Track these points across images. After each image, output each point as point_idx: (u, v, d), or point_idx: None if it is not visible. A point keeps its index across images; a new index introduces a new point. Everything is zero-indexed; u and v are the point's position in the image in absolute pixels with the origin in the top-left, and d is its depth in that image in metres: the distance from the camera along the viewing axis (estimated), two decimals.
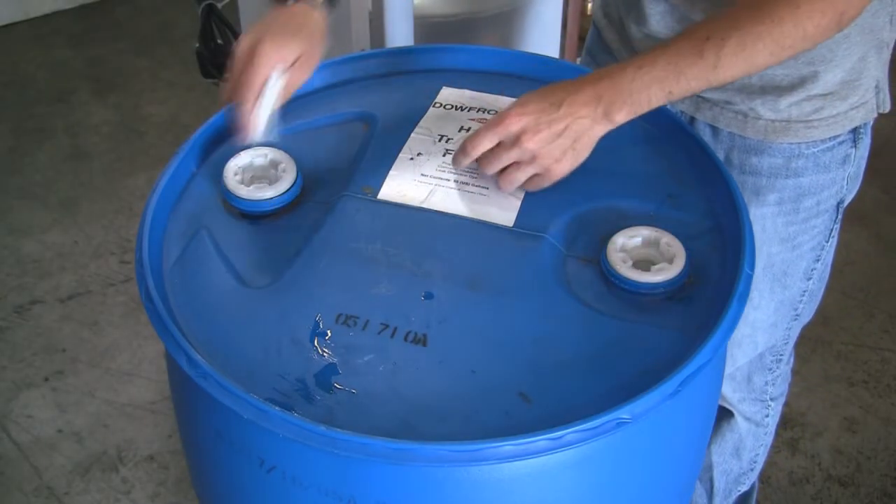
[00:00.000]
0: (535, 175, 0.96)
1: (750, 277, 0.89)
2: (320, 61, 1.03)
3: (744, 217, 0.93)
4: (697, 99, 1.07)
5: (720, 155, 1.09)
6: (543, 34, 1.75)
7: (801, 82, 1.02)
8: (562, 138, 0.92)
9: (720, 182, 0.98)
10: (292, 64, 0.98)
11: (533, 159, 0.94)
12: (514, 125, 0.93)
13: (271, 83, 0.98)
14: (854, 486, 1.74)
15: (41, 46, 2.86)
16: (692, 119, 1.10)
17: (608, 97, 0.91)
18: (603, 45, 1.19)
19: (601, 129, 0.93)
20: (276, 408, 0.77)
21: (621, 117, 0.91)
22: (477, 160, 0.97)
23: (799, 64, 0.98)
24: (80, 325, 2.01)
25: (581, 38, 2.05)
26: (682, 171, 1.03)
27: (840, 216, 1.14)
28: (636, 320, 0.89)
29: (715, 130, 1.09)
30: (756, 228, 1.09)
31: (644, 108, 0.91)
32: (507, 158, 0.95)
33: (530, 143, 0.93)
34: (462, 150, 0.97)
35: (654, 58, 0.90)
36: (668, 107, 1.10)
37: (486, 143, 0.95)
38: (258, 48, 0.96)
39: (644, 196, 1.00)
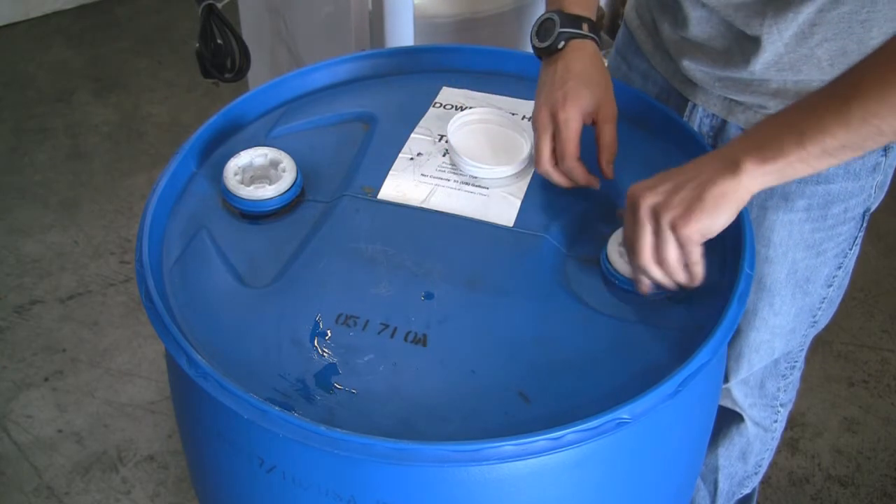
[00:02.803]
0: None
1: (750, 277, 0.89)
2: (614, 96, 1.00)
3: (744, 217, 0.93)
4: (730, 102, 1.06)
5: None
6: None
7: None
8: (684, 190, 0.83)
9: None
10: (595, 114, 0.98)
11: (658, 223, 0.85)
12: (632, 193, 0.87)
13: None
14: (854, 486, 1.74)
15: (41, 46, 2.86)
16: (724, 122, 1.09)
17: (736, 147, 0.83)
18: (634, 46, 1.18)
19: (729, 182, 0.81)
20: (276, 408, 0.76)
21: (750, 163, 0.81)
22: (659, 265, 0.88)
23: (835, 72, 0.97)
24: (80, 325, 2.01)
25: None
26: None
27: (865, 224, 1.13)
28: (636, 320, 0.89)
29: None
30: (783, 234, 1.09)
31: (775, 153, 0.80)
32: (641, 228, 0.86)
33: (649, 200, 0.85)
34: (640, 278, 0.89)
35: (787, 108, 0.83)
36: (686, 121, 1.10)
37: (647, 244, 0.86)
38: (560, 114, 0.96)
39: None
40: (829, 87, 0.81)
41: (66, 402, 1.85)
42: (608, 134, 0.99)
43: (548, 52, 1.00)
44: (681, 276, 0.87)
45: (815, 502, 1.71)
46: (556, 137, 0.98)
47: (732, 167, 0.81)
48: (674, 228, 0.84)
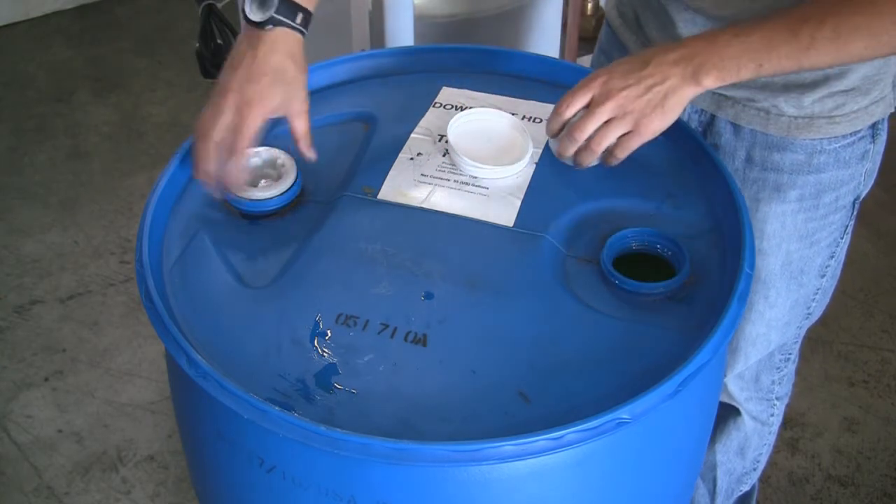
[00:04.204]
0: (625, 135, 0.94)
1: (750, 277, 0.89)
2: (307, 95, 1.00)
3: (744, 217, 0.93)
4: (719, 97, 1.07)
5: (741, 153, 1.09)
6: (543, 34, 1.75)
7: (824, 79, 1.02)
8: (651, 93, 0.92)
9: (720, 182, 0.98)
10: (284, 109, 0.97)
11: (623, 114, 0.93)
12: (602, 82, 0.94)
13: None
14: (854, 486, 1.74)
15: (41, 46, 2.86)
16: (713, 117, 1.09)
17: (700, 58, 0.90)
18: (619, 44, 1.19)
19: (690, 91, 0.92)
20: (276, 408, 0.77)
21: (710, 81, 0.91)
22: (569, 127, 0.96)
23: None
24: (80, 325, 2.01)
25: (582, 39, 2.05)
26: (682, 170, 1.03)
27: (856, 212, 1.14)
28: (636, 320, 0.89)
29: (736, 128, 1.08)
30: (776, 225, 1.10)
31: (732, 76, 0.90)
32: (598, 116, 0.94)
33: (619, 97, 0.92)
34: (555, 112, 0.97)
35: (751, 29, 0.90)
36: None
37: (578, 101, 0.95)
38: (245, 110, 0.95)
39: (644, 196, 1.00)
40: (793, 26, 0.89)
41: (66, 402, 1.85)
42: (300, 126, 0.99)
43: (255, 26, 0.97)
44: (594, 157, 0.97)
45: (815, 502, 1.71)
46: (232, 127, 0.95)
47: (694, 80, 0.91)
48: (636, 125, 0.93)
